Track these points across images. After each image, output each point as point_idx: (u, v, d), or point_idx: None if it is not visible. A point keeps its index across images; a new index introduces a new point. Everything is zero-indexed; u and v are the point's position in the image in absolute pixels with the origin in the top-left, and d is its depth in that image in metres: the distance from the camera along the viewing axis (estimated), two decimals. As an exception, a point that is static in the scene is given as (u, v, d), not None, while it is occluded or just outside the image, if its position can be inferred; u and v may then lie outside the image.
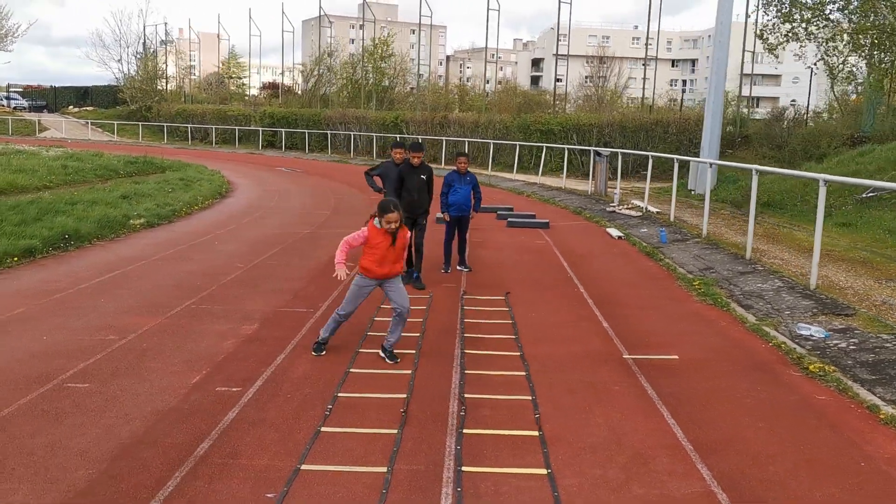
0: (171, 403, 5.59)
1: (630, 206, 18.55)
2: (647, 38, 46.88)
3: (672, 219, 16.38)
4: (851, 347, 7.12)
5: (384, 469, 4.60)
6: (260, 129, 49.55)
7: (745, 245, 13.04)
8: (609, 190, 22.13)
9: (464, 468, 4.63)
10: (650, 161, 18.84)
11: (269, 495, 4.26)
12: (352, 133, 43.57)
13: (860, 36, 15.98)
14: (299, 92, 68.31)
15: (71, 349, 6.82)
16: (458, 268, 11.00)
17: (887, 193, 17.79)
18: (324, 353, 6.84)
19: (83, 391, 5.79)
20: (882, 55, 16.40)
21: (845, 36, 16.25)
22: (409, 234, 6.93)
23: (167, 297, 8.89)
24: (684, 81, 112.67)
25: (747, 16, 27.23)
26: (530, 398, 5.88)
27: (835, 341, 7.34)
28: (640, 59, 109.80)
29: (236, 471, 4.53)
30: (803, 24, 16.60)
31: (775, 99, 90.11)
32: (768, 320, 8.26)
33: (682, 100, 48.33)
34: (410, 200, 9.67)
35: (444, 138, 37.37)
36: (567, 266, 11.61)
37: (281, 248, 12.53)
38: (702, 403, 5.85)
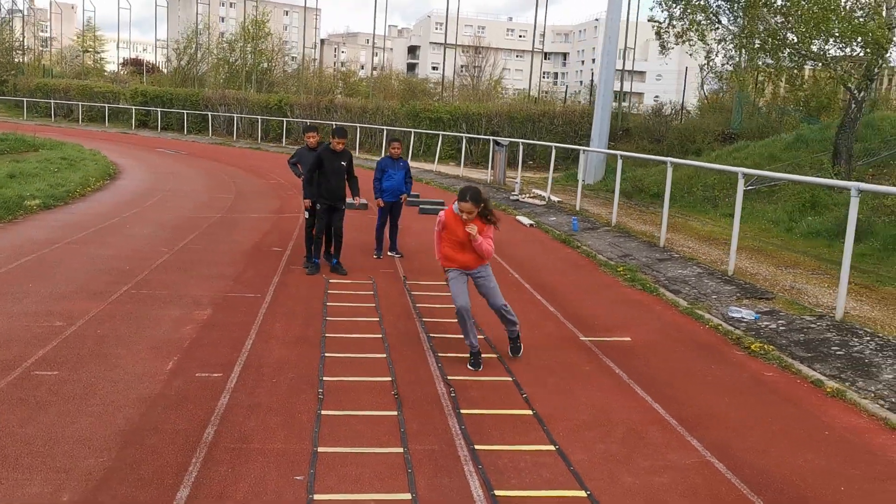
0: (155, 390, 5.44)
1: (532, 195, 19.07)
2: (538, 33, 48.03)
3: (578, 208, 16.98)
4: (781, 328, 7.72)
5: (400, 450, 4.68)
6: (133, 107, 47.37)
7: (652, 233, 13.76)
8: (508, 179, 22.63)
9: (476, 446, 4.77)
10: (553, 151, 19.42)
11: (297, 478, 4.26)
12: (234, 115, 42.39)
13: (748, 39, 17.02)
14: (164, 70, 65.72)
15: (22, 336, 6.48)
16: (389, 253, 11.05)
17: (765, 187, 19.12)
18: (480, 368, 6.26)
19: (54, 379, 5.54)
20: (766, 57, 17.53)
21: (735, 39, 17.29)
22: (490, 231, 6.35)
23: (100, 283, 8.52)
24: (556, 74, 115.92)
25: (628, 12, 28.36)
26: (511, 379, 6.08)
27: (765, 322, 7.94)
28: (514, 50, 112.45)
29: (254, 455, 4.50)
30: (695, 27, 17.52)
31: (640, 94, 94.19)
32: (699, 304, 8.81)
33: (565, 93, 49.63)
34: (328, 186, 9.56)
35: (333, 122, 37.00)
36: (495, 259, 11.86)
37: (199, 233, 12.19)
38: (668, 382, 6.23)
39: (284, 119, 39.69)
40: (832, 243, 13.69)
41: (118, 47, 68.02)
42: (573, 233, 13.98)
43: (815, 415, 5.65)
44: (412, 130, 32.20)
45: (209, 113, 43.64)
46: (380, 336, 7.08)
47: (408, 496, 4.12)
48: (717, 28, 17.60)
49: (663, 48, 19.16)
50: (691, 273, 10.28)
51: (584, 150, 17.54)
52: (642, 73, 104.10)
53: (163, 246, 10.90)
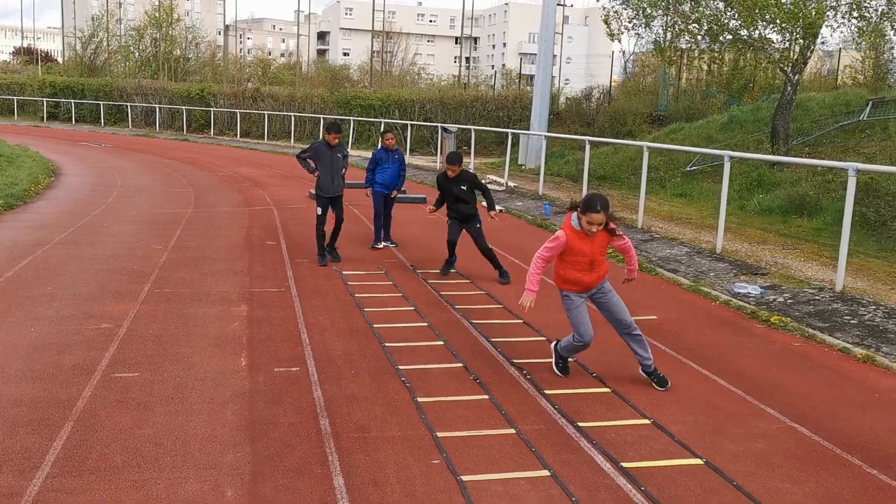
0: (245, 386, 5.51)
1: (489, 181, 19.40)
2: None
3: (541, 192, 17.41)
4: (790, 301, 8.27)
5: (512, 430, 4.92)
6: (44, 99, 45.40)
7: (620, 216, 14.26)
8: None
9: (580, 423, 5.06)
10: (509, 137, 19.78)
11: (434, 462, 4.46)
12: (155, 106, 41.19)
13: (695, 24, 17.76)
14: (60, 60, 63.14)
15: (76, 340, 6.41)
16: (383, 243, 11.16)
17: (709, 167, 20.01)
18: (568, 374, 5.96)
19: (139, 380, 5.55)
20: (709, 42, 18.33)
21: (682, 24, 17.99)
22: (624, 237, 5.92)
23: (119, 283, 8.41)
24: (467, 59, 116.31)
25: None
26: (572, 359, 6.38)
27: (771, 296, 8.49)
28: (425, 35, 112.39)
29: (380, 443, 4.67)
30: (643, 13, 18.14)
31: (552, 78, 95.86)
32: (702, 281, 9.31)
33: (494, 78, 50.14)
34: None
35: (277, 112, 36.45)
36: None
37: (183, 230, 12.03)
38: (714, 355, 6.65)
39: (211, 109, 38.82)
40: (787, 219, 14.53)
41: (5, 35, 64.97)
42: (546, 217, 14.37)
43: (857, 379, 6.16)
44: (351, 119, 32.02)
45: (127, 104, 42.26)
46: (425, 324, 7.27)
47: (546, 472, 4.37)
48: (665, 15, 18.25)
49: (612, 36, 19.73)
50: (680, 252, 10.80)
51: (545, 136, 17.94)
52: (553, 56, 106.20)
53: (155, 243, 10.75)
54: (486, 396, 5.49)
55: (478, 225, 9.36)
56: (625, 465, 4.49)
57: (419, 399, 5.38)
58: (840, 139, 19.18)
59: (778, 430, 5.09)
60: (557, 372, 5.98)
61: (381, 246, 11.04)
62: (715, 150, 16.16)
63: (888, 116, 18.63)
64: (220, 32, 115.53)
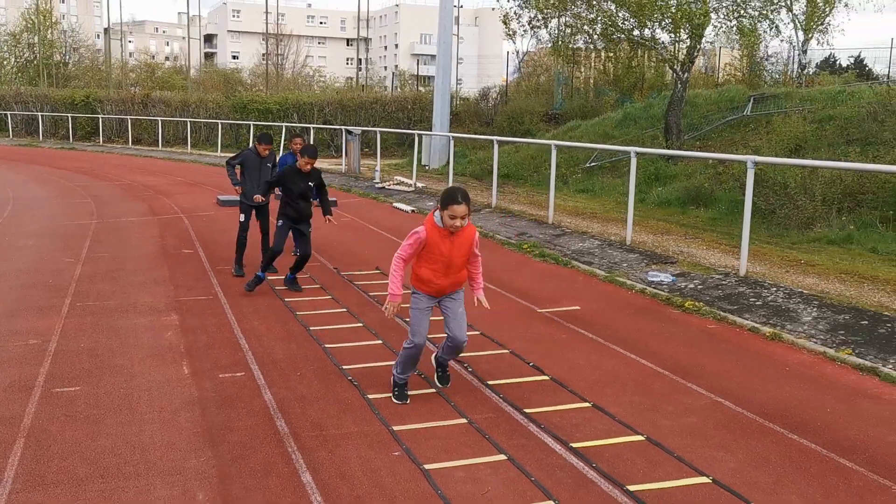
0: (193, 393, 5.53)
1: (396, 181, 19.58)
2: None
3: (449, 192, 17.70)
4: (699, 287, 8.81)
5: (464, 420, 5.14)
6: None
7: (529, 212, 14.75)
8: (362, 168, 22.97)
9: (527, 410, 5.32)
10: (416, 139, 20.01)
11: (395, 454, 4.63)
12: (37, 114, 39.41)
13: (590, 25, 18.45)
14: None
15: (5, 357, 6.25)
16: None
17: (608, 163, 20.81)
18: (408, 401, 5.43)
19: (83, 393, 5.49)
20: (606, 43, 19.09)
21: (579, 25, 18.66)
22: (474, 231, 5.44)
23: (37, 298, 8.19)
24: (360, 60, 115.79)
25: None
26: (507, 351, 6.65)
27: (682, 283, 9.02)
28: (316, 37, 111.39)
29: (339, 439, 4.80)
30: (541, 14, 18.72)
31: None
32: (616, 272, 9.77)
33: (392, 80, 50.23)
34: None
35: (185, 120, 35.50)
36: (397, 240, 12.32)
37: (91, 241, 11.71)
38: (637, 340, 7.05)
39: (100, 116, 37.48)
40: (685, 210, 15.31)
41: None
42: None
43: (769, 355, 6.67)
44: (251, 123, 31.56)
45: (8, 112, 40.26)
46: (361, 325, 7.41)
47: (503, 457, 4.60)
48: (562, 17, 18.88)
49: (511, 36, 20.25)
50: (592, 245, 11.28)
51: (433, 136, 18.26)
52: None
53: (64, 256, 10.46)
54: (434, 390, 5.68)
55: (310, 228, 8.71)
56: (574, 445, 4.77)
57: (369, 396, 5.53)
58: (727, 133, 20.29)
59: (705, 405, 5.49)
60: (395, 401, 5.40)
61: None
62: (618, 146, 16.79)
63: (770, 112, 19.83)
64: (98, 36, 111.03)
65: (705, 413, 5.35)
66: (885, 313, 7.45)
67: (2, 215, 14.38)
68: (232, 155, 9.97)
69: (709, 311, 7.95)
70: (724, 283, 8.85)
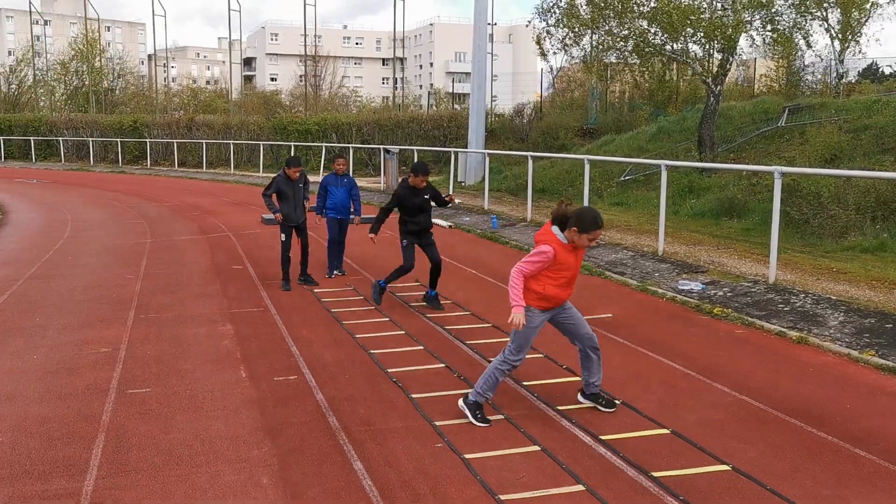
0: (251, 394, 6.02)
1: (435, 198, 20.06)
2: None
3: (486, 207, 18.16)
4: (728, 294, 9.12)
5: (501, 416, 5.55)
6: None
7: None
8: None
9: (559, 407, 5.71)
10: (452, 156, 20.50)
11: (437, 445, 5.06)
12: (88, 139, 40.78)
13: (623, 42, 18.83)
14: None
15: (82, 363, 6.82)
16: (335, 272, 10.96)
17: (641, 176, 21.08)
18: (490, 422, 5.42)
19: (153, 395, 6.01)
20: (638, 58, 19.45)
21: (611, 42, 19.05)
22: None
23: (104, 311, 8.79)
24: (395, 80, 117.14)
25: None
26: (542, 356, 7.04)
27: (712, 291, 9.33)
28: (353, 57, 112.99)
29: (386, 434, 5.24)
30: (574, 33, 19.16)
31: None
32: (648, 281, 10.11)
33: (428, 99, 50.95)
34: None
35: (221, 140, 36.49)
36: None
37: (149, 259, 12.36)
38: (666, 344, 7.40)
39: (147, 140, 38.69)
40: (718, 221, 15.55)
41: None
42: (494, 230, 15.09)
43: (794, 357, 6.98)
44: (291, 144, 32.37)
45: (60, 138, 41.72)
46: (403, 332, 7.86)
47: (536, 448, 5.01)
48: (594, 34, 19.29)
49: (544, 55, 20.70)
50: (625, 256, 11.62)
51: (469, 153, 18.75)
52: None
53: (125, 273, 11.10)
54: (469, 390, 6.10)
55: (433, 237, 9.24)
56: (603, 437, 5.15)
57: (413, 395, 5.97)
58: (762, 144, 20.46)
59: (730, 402, 5.84)
60: (479, 424, 5.38)
61: (334, 275, 10.88)
62: (650, 159, 17.12)
63: (804, 122, 19.97)
64: (143, 62, 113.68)
65: (729, 409, 5.69)
66: (910, 317, 7.71)
67: (62, 236, 15.16)
68: (266, 185, 10.25)
69: (737, 317, 8.26)
70: (753, 290, 9.15)
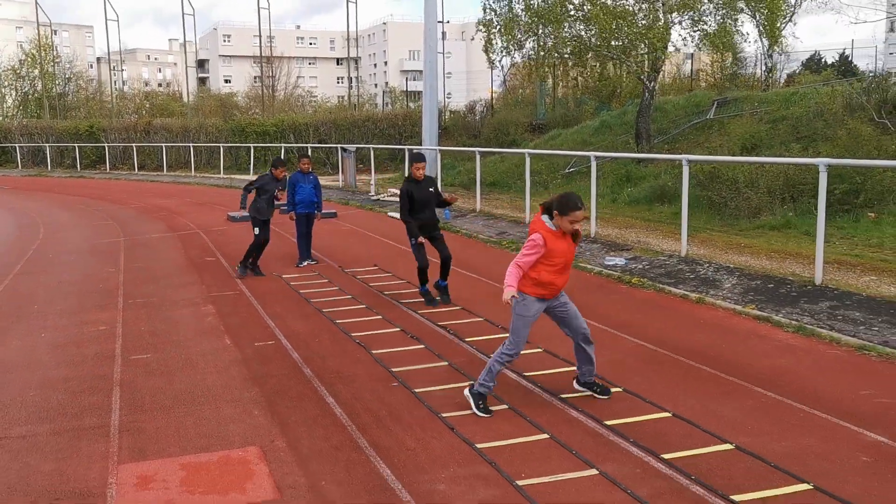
0: (237, 355, 7.19)
1: (390, 194, 21.26)
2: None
3: (438, 200, 19.40)
4: (646, 266, 10.49)
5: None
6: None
7: (509, 215, 16.43)
8: (358, 182, 24.69)
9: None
10: (406, 154, 21.69)
11: (393, 384, 6.29)
12: (45, 145, 41.14)
13: (561, 45, 20.22)
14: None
15: (83, 338, 7.93)
16: (306, 261, 12.00)
17: (584, 167, 22.49)
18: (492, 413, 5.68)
19: (154, 359, 7.15)
20: (576, 60, 20.86)
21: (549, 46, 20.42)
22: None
23: (96, 299, 9.86)
24: (350, 79, 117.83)
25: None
26: (480, 319, 8.30)
27: (633, 265, 10.69)
28: (306, 57, 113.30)
29: (353, 378, 6.45)
30: (514, 41, 20.53)
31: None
32: (579, 259, 11.44)
33: (382, 98, 51.96)
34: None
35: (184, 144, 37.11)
36: (397, 246, 14.00)
37: (126, 255, 13.37)
38: (591, 308, 8.67)
39: (105, 145, 39.22)
40: (651, 207, 17.00)
41: None
42: (447, 221, 16.34)
43: (693, 314, 8.35)
44: (251, 146, 33.25)
45: (16, 145, 42.00)
46: (363, 306, 9.07)
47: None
48: (532, 39, 20.66)
49: (491, 62, 22.02)
50: (561, 239, 12.94)
51: (422, 150, 19.98)
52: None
53: (106, 267, 12.13)
54: (423, 346, 7.35)
55: (440, 231, 9.27)
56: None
57: (374, 351, 7.19)
58: (693, 135, 22.01)
59: (631, 347, 7.17)
60: (481, 414, 5.62)
61: (304, 264, 11.89)
62: (584, 152, 18.48)
63: (729, 115, 21.57)
64: (91, 66, 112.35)
65: (631, 353, 7.02)
66: (790, 278, 9.14)
67: (38, 237, 16.05)
68: (251, 179, 11.31)
69: (651, 285, 9.63)
70: (667, 263, 10.54)
